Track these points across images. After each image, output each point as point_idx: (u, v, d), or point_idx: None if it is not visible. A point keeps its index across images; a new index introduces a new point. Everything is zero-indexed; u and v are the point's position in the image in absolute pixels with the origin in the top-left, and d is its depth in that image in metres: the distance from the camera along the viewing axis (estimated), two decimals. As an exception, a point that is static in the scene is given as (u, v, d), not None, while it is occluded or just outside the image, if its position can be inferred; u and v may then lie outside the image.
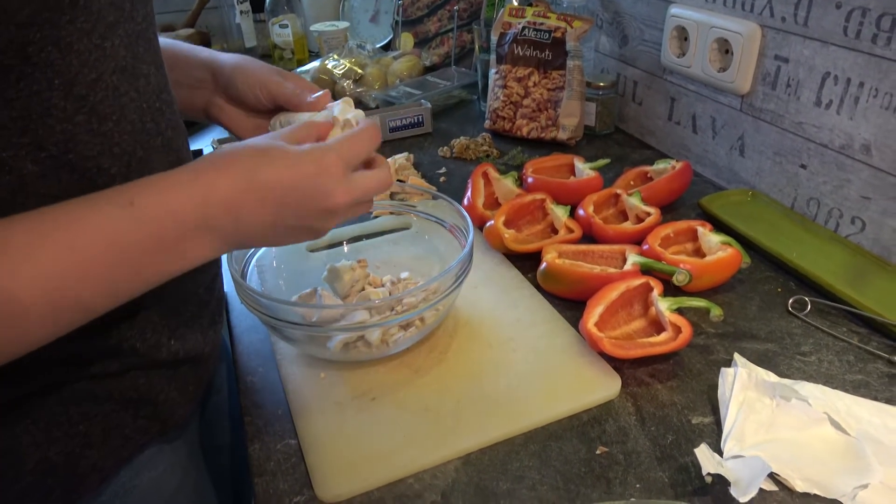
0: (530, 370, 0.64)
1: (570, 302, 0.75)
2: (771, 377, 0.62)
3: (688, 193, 0.94)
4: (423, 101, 1.23)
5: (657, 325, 0.68)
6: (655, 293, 0.67)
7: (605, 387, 0.62)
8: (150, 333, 0.54)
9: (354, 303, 0.61)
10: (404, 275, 0.74)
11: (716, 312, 0.65)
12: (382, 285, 0.72)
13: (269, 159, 0.46)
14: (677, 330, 0.64)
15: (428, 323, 0.64)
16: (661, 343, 0.64)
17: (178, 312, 0.57)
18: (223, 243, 0.46)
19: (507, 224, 0.84)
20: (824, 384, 0.62)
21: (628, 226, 0.84)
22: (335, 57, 1.37)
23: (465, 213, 0.70)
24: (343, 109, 0.56)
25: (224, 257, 0.65)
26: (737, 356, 0.65)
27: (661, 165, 0.94)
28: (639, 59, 1.12)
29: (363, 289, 0.70)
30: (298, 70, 1.39)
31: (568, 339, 0.68)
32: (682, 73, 1.01)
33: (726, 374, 0.59)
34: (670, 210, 0.92)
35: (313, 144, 0.49)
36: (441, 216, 0.77)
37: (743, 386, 0.58)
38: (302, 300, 0.68)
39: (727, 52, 0.92)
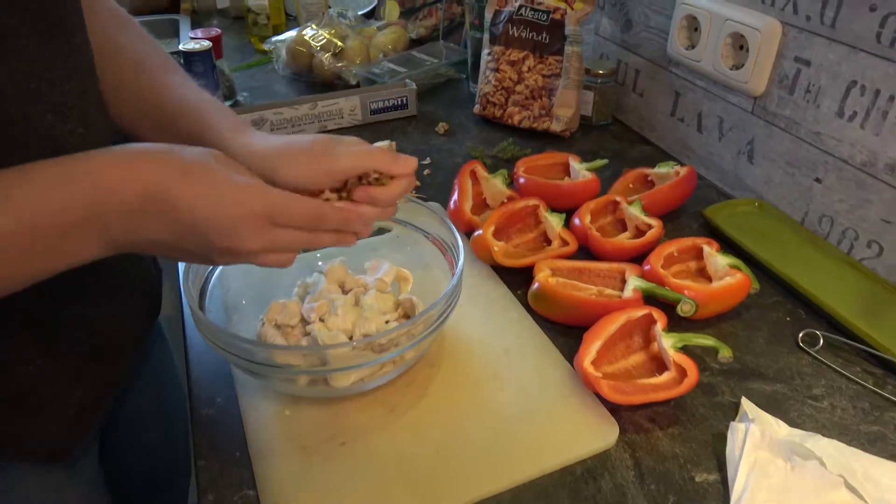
0: (519, 413, 0.58)
1: (563, 326, 0.69)
2: (782, 427, 0.57)
3: (690, 199, 0.87)
4: (407, 81, 1.14)
5: (658, 361, 0.62)
6: (659, 327, 0.61)
7: (600, 435, 0.56)
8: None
9: (325, 345, 0.54)
10: (385, 267, 0.66)
11: (725, 353, 0.60)
12: (366, 290, 0.65)
13: (194, 180, 0.42)
14: (681, 371, 0.59)
15: (407, 359, 0.57)
16: (663, 387, 0.58)
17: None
18: (111, 246, 0.42)
19: (497, 233, 0.76)
20: (838, 436, 0.57)
21: (627, 239, 0.78)
22: (313, 27, 1.26)
23: (458, 236, 0.62)
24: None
25: (181, 272, 0.58)
26: (744, 402, 0.59)
27: (663, 169, 0.87)
28: (642, 47, 1.04)
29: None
30: (273, 40, 1.28)
31: (560, 375, 0.62)
32: (689, 67, 0.93)
33: (736, 430, 0.54)
34: (671, 219, 0.86)
35: (253, 182, 0.44)
36: (425, 225, 0.69)
37: (755, 445, 0.52)
38: (269, 317, 0.61)
39: (742, 48, 0.84)
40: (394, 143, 1.01)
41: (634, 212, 0.79)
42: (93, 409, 0.60)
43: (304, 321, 0.60)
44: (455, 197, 0.81)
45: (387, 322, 0.60)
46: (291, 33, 1.27)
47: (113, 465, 0.71)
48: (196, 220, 0.42)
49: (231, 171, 0.44)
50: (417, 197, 0.90)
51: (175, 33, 1.47)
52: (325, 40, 1.23)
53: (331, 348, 0.51)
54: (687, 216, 0.87)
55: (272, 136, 0.54)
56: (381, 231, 0.73)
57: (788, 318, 0.70)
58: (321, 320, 0.59)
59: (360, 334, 0.57)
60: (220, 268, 0.64)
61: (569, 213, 0.81)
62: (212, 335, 0.52)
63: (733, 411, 0.60)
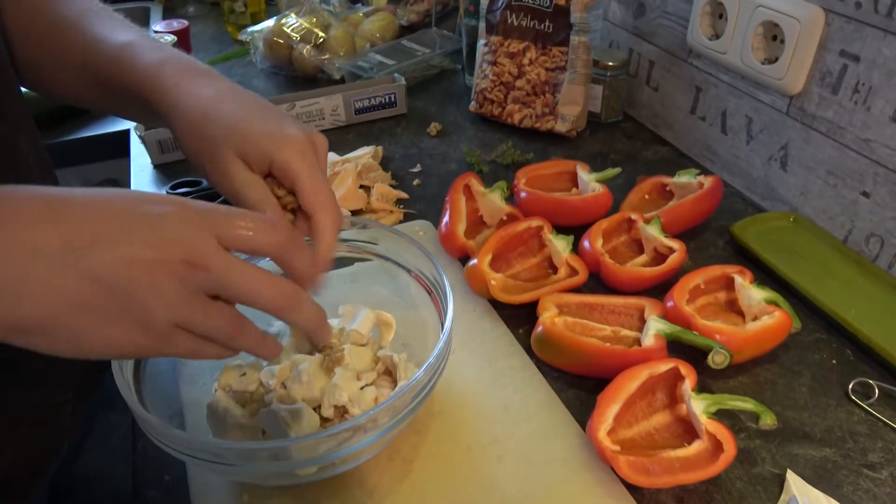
0: (521, 492, 0.49)
1: (572, 376, 0.59)
2: (835, 509, 0.47)
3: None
4: (396, 75, 1.03)
5: (686, 424, 0.53)
6: (688, 387, 0.51)
7: (619, 523, 0.47)
8: None
9: (289, 438, 0.44)
10: (362, 314, 0.56)
11: (768, 421, 0.50)
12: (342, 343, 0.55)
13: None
14: (715, 442, 0.49)
15: (388, 438, 0.48)
16: (694, 464, 0.48)
17: None
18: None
19: (496, 260, 0.66)
20: (903, 519, 0.48)
21: (646, 266, 0.68)
22: (293, 15, 1.15)
23: (446, 281, 0.52)
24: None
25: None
26: (790, 476, 0.50)
27: (683, 178, 0.76)
28: (658, 35, 0.92)
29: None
30: (249, 30, 1.17)
31: (570, 442, 0.52)
32: (713, 59, 0.82)
33: (786, 524, 0.44)
34: (693, 235, 0.75)
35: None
36: (407, 261, 0.59)
37: (809, 545, 0.43)
38: (224, 383, 0.51)
39: (776, 38, 0.73)
40: (380, 149, 0.91)
41: (653, 232, 0.69)
42: (26, 478, 0.52)
43: (265, 388, 0.50)
44: (446, 218, 0.70)
45: (362, 388, 0.50)
46: (269, 23, 1.15)
47: None
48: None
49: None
50: (405, 212, 0.80)
51: (146, 22, 1.36)
52: (305, 30, 1.11)
53: (295, 442, 0.41)
54: (711, 231, 0.77)
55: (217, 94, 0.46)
56: (357, 259, 0.63)
57: (835, 361, 0.60)
58: (283, 386, 0.49)
59: (329, 405, 0.48)
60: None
61: (577, 231, 0.70)
62: (149, 428, 0.43)
63: (777, 486, 0.50)
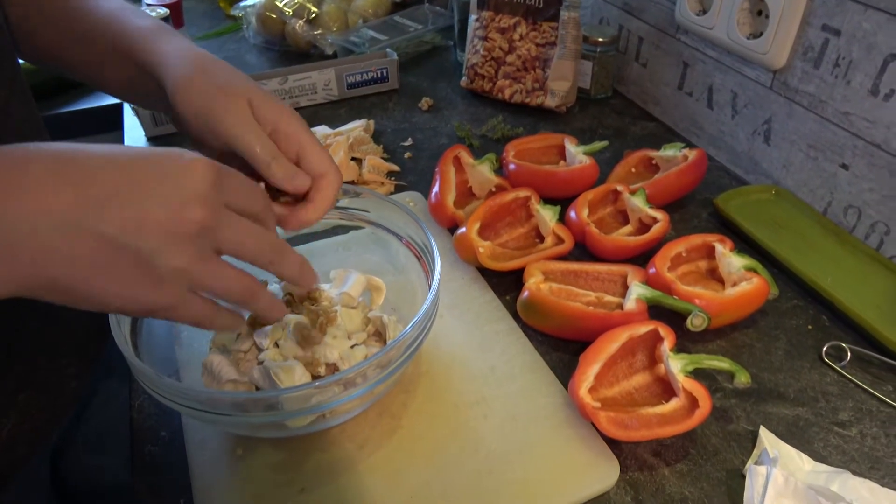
0: (505, 447, 0.51)
1: (557, 339, 0.61)
2: (805, 462, 0.50)
3: (699, 184, 0.78)
4: (388, 50, 1.04)
5: (664, 383, 0.55)
6: (666, 347, 0.53)
7: (598, 475, 0.49)
8: None
9: (279, 389, 0.46)
10: (352, 278, 0.57)
11: (742, 379, 0.52)
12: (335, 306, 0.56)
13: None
14: (691, 399, 0.51)
15: (377, 393, 0.50)
16: (671, 419, 0.50)
17: None
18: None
19: (484, 229, 0.68)
20: (869, 471, 0.50)
21: (630, 235, 0.69)
22: (285, -11, 1.15)
23: (433, 244, 0.54)
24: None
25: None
26: (763, 432, 0.52)
27: (669, 152, 0.78)
28: (647, 12, 0.93)
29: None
30: (241, 5, 1.17)
31: (553, 400, 0.54)
32: (700, 35, 0.83)
33: (756, 474, 0.46)
34: (677, 207, 0.77)
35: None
36: (397, 227, 0.60)
37: (778, 493, 0.45)
38: (217, 341, 0.53)
39: (760, 13, 0.74)
40: (372, 122, 0.92)
41: (638, 203, 0.71)
42: (28, 443, 0.53)
43: (258, 347, 0.52)
44: (436, 189, 0.72)
45: (352, 346, 0.52)
46: (261, -3, 1.15)
47: (65, 486, 0.65)
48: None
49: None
50: (396, 184, 0.81)
51: (138, -2, 1.35)
52: (297, 5, 1.12)
53: (286, 392, 0.43)
54: (695, 204, 0.78)
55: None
56: (352, 228, 0.64)
57: (810, 327, 0.63)
58: (276, 345, 0.51)
59: (321, 363, 0.50)
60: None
61: (564, 202, 0.72)
62: (144, 379, 0.44)
63: (750, 442, 0.52)
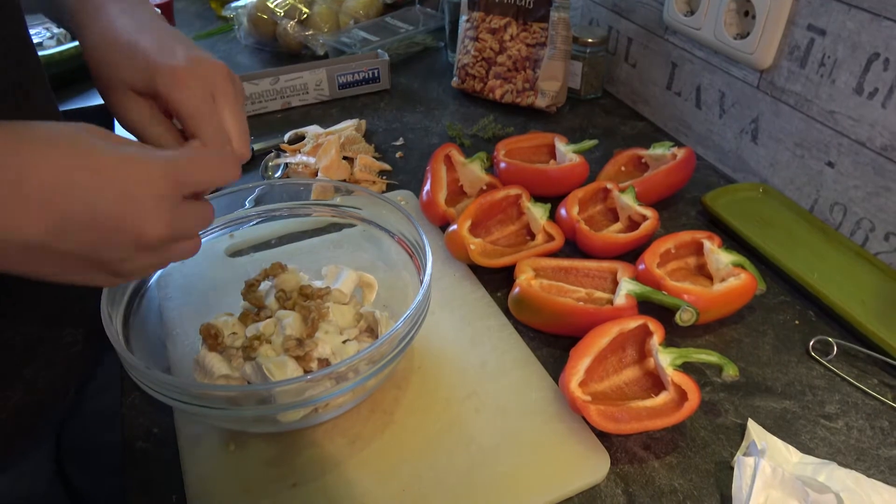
0: (497, 442, 0.51)
1: (548, 335, 0.61)
2: (793, 454, 0.50)
3: (688, 182, 0.79)
4: (379, 51, 1.04)
5: (654, 377, 0.55)
6: (655, 341, 0.54)
7: (589, 467, 0.49)
8: None
9: (271, 382, 0.46)
10: (344, 274, 0.57)
11: (731, 372, 0.53)
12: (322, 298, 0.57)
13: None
14: (681, 393, 0.52)
15: (369, 387, 0.50)
16: (661, 412, 0.51)
17: None
18: None
19: (475, 227, 0.68)
20: (855, 462, 0.51)
21: (619, 233, 0.70)
22: (276, -10, 1.15)
23: (425, 240, 0.54)
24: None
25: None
26: (751, 425, 0.52)
27: (658, 151, 0.79)
28: (636, 13, 0.94)
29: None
30: (232, 6, 1.17)
31: (544, 395, 0.55)
32: (688, 35, 0.84)
33: (744, 465, 0.47)
34: (667, 205, 0.78)
35: (141, 150, 0.36)
36: (389, 224, 0.60)
37: (765, 483, 0.46)
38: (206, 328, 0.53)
39: (747, 14, 0.76)
40: (363, 122, 0.92)
41: (627, 201, 0.71)
42: (34, 415, 0.54)
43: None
44: (428, 186, 0.72)
45: (344, 342, 0.52)
46: (252, -2, 1.16)
47: (68, 461, 0.66)
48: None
49: (111, 143, 0.35)
50: (388, 183, 0.81)
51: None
52: (289, 6, 1.12)
53: (279, 386, 0.43)
54: (684, 202, 0.79)
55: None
56: (345, 225, 0.65)
57: (797, 322, 0.63)
58: (268, 342, 0.51)
59: (313, 357, 0.50)
60: (157, 273, 0.56)
61: (555, 200, 0.73)
62: (136, 373, 0.44)
63: (738, 435, 0.53)
